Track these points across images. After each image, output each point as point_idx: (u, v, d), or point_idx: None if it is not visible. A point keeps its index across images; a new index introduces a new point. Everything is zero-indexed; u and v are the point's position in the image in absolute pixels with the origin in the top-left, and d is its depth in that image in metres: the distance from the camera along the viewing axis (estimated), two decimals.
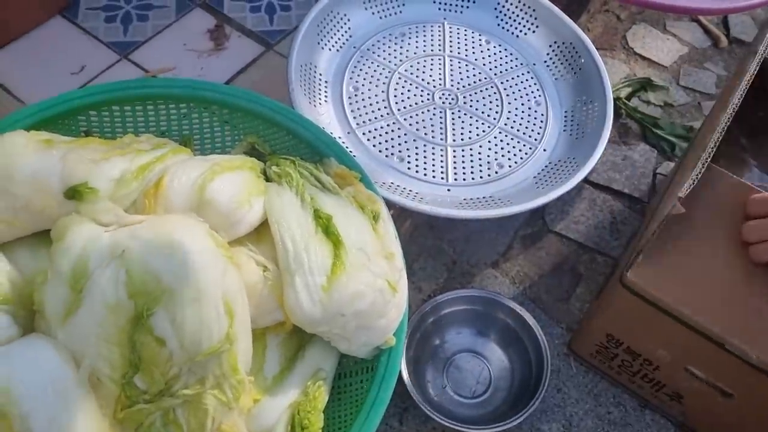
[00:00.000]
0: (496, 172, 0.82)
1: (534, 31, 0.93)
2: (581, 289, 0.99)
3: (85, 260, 0.49)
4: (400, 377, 0.82)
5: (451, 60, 0.91)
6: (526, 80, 0.90)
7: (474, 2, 0.95)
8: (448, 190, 0.79)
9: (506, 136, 0.85)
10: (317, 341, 0.62)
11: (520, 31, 0.94)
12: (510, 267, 1.01)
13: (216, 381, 0.52)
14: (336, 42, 0.88)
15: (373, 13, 0.92)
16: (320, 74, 0.85)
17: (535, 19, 0.93)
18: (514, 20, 0.94)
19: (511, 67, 0.91)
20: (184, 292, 0.50)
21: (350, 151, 0.80)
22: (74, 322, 0.49)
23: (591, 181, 1.10)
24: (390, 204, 0.75)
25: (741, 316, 0.69)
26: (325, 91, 0.84)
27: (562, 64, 0.91)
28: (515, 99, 0.88)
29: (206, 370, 0.52)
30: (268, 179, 0.64)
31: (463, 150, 0.83)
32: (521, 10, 0.94)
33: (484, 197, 0.79)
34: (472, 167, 0.82)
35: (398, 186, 0.78)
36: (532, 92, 0.89)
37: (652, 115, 1.19)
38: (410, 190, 0.78)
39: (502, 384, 0.90)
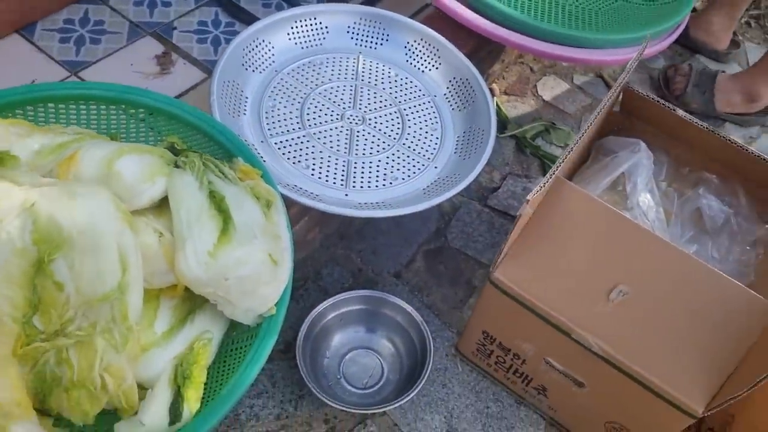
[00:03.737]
0: (390, 183, 0.93)
1: (437, 68, 1.07)
2: (473, 299, 1.10)
3: None
4: (297, 367, 0.91)
5: (362, 87, 1.03)
6: (427, 109, 1.03)
7: (387, 40, 1.08)
8: (346, 195, 0.90)
9: (403, 153, 0.97)
10: (208, 308, 0.71)
11: (426, 67, 1.07)
12: (411, 277, 1.11)
13: (107, 326, 0.61)
14: (260, 65, 1.00)
15: (296, 43, 1.04)
16: (242, 91, 0.96)
17: (439, 57, 1.07)
18: (421, 57, 1.08)
19: (415, 97, 1.04)
20: (83, 242, 0.59)
21: (261, 157, 0.90)
22: None
23: (491, 206, 1.23)
24: (291, 201, 0.85)
25: (586, 309, 0.80)
26: (245, 106, 0.96)
27: (459, 96, 1.04)
28: (415, 123, 1.01)
29: (99, 315, 0.60)
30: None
31: (363, 162, 0.94)
32: (427, 49, 1.07)
33: (376, 202, 0.90)
34: (369, 177, 0.93)
35: (301, 188, 0.88)
36: (431, 119, 1.02)
37: (553, 154, 1.33)
38: (311, 192, 0.88)
39: (392, 377, 0.98)
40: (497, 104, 1.40)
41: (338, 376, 0.97)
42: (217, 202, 0.69)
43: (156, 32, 1.28)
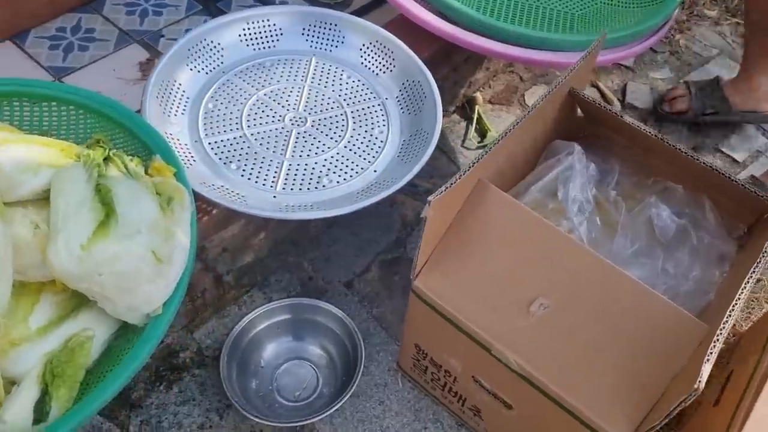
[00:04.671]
0: (324, 186, 0.89)
1: (391, 71, 1.03)
2: None
3: None
4: (219, 379, 0.88)
5: (310, 89, 1.00)
6: (376, 112, 0.99)
7: (342, 42, 1.06)
8: (274, 197, 0.87)
9: (342, 156, 0.93)
10: (95, 306, 0.69)
11: (380, 69, 1.04)
12: (363, 287, 1.07)
13: None
14: (206, 66, 0.99)
15: (247, 45, 1.03)
16: (183, 91, 0.95)
17: (393, 60, 1.03)
18: (376, 60, 1.04)
19: (365, 100, 1.00)
20: None
21: (192, 157, 0.89)
22: None
23: None
24: (211, 202, 0.82)
25: (507, 323, 0.74)
26: (184, 106, 0.94)
27: (410, 99, 1.00)
28: (361, 126, 0.97)
29: None
30: None
31: (298, 164, 0.91)
32: (382, 51, 1.04)
33: (305, 205, 0.86)
34: (302, 179, 0.89)
35: (227, 189, 0.86)
36: (378, 122, 0.98)
37: None
38: (237, 193, 0.86)
39: (326, 390, 0.94)
40: (479, 114, 1.34)
41: (270, 387, 0.93)
42: (102, 196, 0.67)
43: (143, 40, 1.29)
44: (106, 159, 0.75)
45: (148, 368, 0.94)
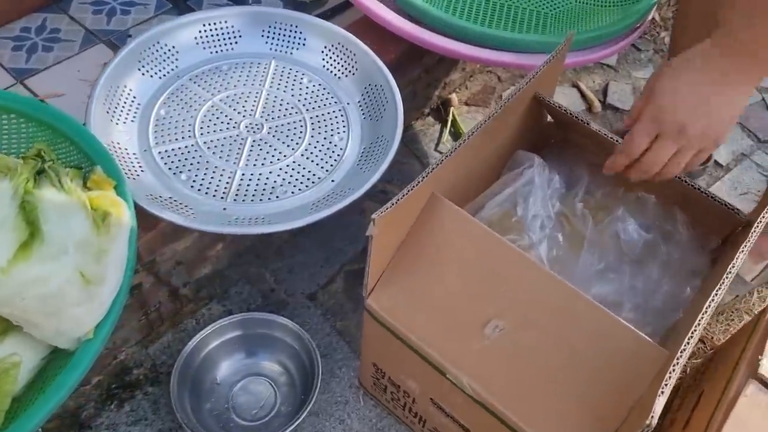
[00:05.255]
0: (278, 197, 0.85)
1: (354, 74, 0.99)
2: None
3: None
4: (169, 400, 0.84)
5: (268, 94, 0.96)
6: (336, 118, 0.95)
7: (304, 45, 1.01)
8: (224, 209, 0.83)
9: (299, 165, 0.89)
10: (21, 330, 0.65)
11: (342, 73, 1.00)
12: (327, 299, 1.03)
13: None
14: (159, 70, 0.95)
15: (204, 48, 0.99)
16: (134, 97, 0.91)
17: (356, 63, 0.99)
18: (338, 63, 1.00)
19: (325, 105, 0.96)
20: None
21: (140, 167, 0.85)
22: None
23: None
24: (154, 216, 0.78)
25: (461, 345, 0.71)
26: (135, 113, 0.90)
27: (372, 105, 0.96)
28: (320, 133, 0.93)
29: None
30: None
31: (252, 174, 0.87)
32: (345, 54, 1.00)
33: (255, 217, 0.82)
34: (255, 190, 0.86)
35: (174, 201, 0.82)
36: (338, 129, 0.94)
37: None
38: (185, 205, 0.82)
39: (284, 408, 0.91)
40: (453, 116, 1.30)
41: (226, 406, 0.90)
42: (27, 214, 0.63)
43: (110, 40, 1.25)
44: (41, 172, 0.71)
45: (99, 386, 0.91)
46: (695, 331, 0.60)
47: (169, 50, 0.96)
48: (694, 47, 0.67)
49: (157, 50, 0.95)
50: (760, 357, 0.71)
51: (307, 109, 0.96)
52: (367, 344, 0.82)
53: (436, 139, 1.29)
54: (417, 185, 0.67)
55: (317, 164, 0.90)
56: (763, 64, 0.63)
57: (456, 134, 1.29)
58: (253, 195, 0.85)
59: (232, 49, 1.00)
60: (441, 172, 0.71)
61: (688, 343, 0.58)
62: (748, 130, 1.38)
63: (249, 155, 0.89)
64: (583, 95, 1.39)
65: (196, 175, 0.86)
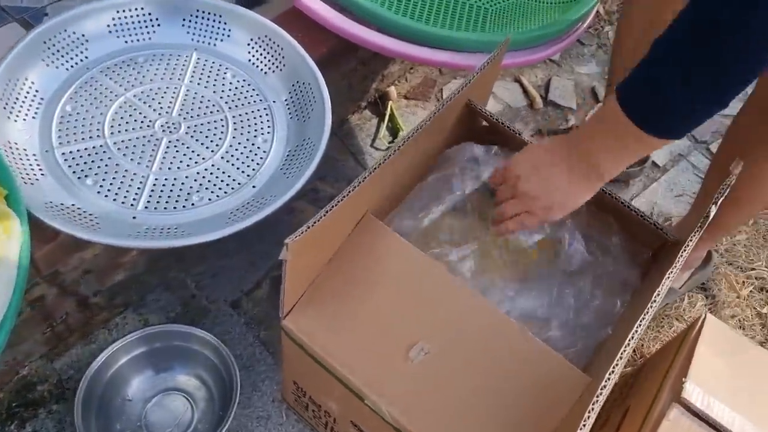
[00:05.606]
0: (193, 204, 0.80)
1: (281, 70, 0.93)
2: None
3: None
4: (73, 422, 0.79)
5: (187, 89, 0.90)
6: (261, 117, 0.89)
7: (228, 36, 0.95)
8: (134, 217, 0.77)
9: (218, 169, 0.83)
10: None
11: (269, 68, 0.94)
12: (251, 307, 0.99)
13: None
14: (67, 61, 0.87)
15: (118, 37, 0.91)
16: (36, 90, 0.83)
17: (283, 58, 0.93)
18: (264, 57, 0.94)
19: (250, 103, 0.90)
20: None
21: (40, 170, 0.78)
22: None
23: None
24: (52, 228, 0.72)
25: (383, 369, 0.67)
26: (36, 108, 0.83)
27: (299, 103, 0.91)
28: (242, 134, 0.87)
29: None
30: None
31: (166, 178, 0.81)
32: (272, 47, 0.93)
33: (169, 227, 0.77)
34: (169, 196, 0.80)
35: (78, 209, 0.75)
36: (263, 129, 0.88)
37: None
38: (90, 214, 0.75)
39: (201, 426, 0.86)
40: (391, 110, 1.26)
41: (139, 424, 0.85)
42: None
43: (24, 18, 1.15)
44: None
45: None
46: (616, 365, 0.58)
47: (78, 39, 0.88)
48: (565, 136, 0.68)
49: (63, 39, 0.87)
50: (684, 379, 0.70)
51: (230, 107, 0.89)
52: (287, 362, 0.78)
53: (372, 134, 1.24)
54: (336, 205, 0.63)
55: (238, 168, 0.84)
56: (605, 174, 0.65)
57: (393, 129, 1.24)
58: (167, 202, 0.79)
59: (150, 38, 0.93)
60: (371, 184, 0.67)
61: (608, 378, 0.56)
62: None
63: (164, 158, 0.83)
64: (525, 91, 1.36)
65: (103, 180, 0.79)
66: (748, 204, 0.88)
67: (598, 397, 0.55)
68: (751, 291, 1.13)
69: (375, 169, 0.67)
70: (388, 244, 0.71)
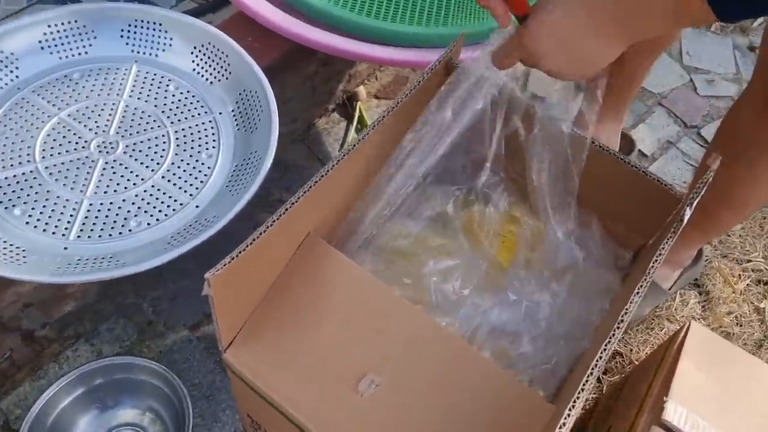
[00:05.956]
0: (131, 230, 0.74)
1: (227, 78, 0.87)
2: None
3: None
4: None
5: (126, 105, 0.84)
6: (206, 130, 0.84)
7: (170, 45, 0.89)
8: (66, 248, 0.71)
9: (158, 190, 0.78)
10: None
11: (214, 77, 0.88)
12: (211, 331, 0.93)
13: None
14: None
15: (51, 53, 0.86)
16: None
17: (229, 65, 0.87)
18: (209, 66, 0.88)
19: (194, 115, 0.85)
20: None
21: None
22: None
23: None
24: None
25: (331, 405, 0.62)
26: None
27: (246, 114, 0.85)
28: (184, 150, 0.81)
29: None
30: None
31: (101, 203, 0.75)
32: (216, 56, 0.88)
33: (103, 257, 0.71)
34: (105, 223, 0.74)
35: (4, 242, 0.70)
36: (207, 144, 0.83)
37: None
38: (17, 247, 0.70)
39: None
40: (360, 112, 1.20)
41: None
42: None
43: None
44: None
45: None
46: (582, 389, 0.52)
47: (7, 57, 0.83)
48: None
49: None
50: (665, 398, 0.64)
51: (172, 122, 0.84)
52: (237, 395, 0.72)
53: (341, 138, 1.18)
54: (265, 231, 0.57)
55: (180, 187, 0.78)
56: (630, 32, 0.56)
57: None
58: (101, 230, 0.74)
59: (86, 53, 0.87)
60: (310, 202, 0.62)
61: (567, 415, 0.50)
62: (674, 116, 1.31)
63: (99, 181, 0.77)
64: None
65: (33, 209, 0.74)
66: (742, 206, 0.82)
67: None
68: (747, 284, 1.06)
69: (309, 189, 0.61)
70: (335, 266, 0.65)
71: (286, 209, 0.59)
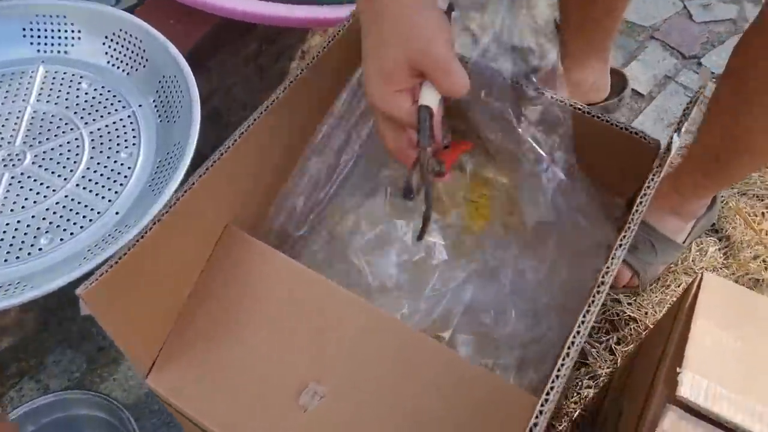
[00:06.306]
0: (41, 249, 0.65)
1: (144, 66, 0.77)
2: None
3: None
4: None
5: (34, 111, 0.75)
6: (125, 126, 0.74)
7: (79, 39, 0.79)
8: None
9: (72, 200, 0.68)
10: None
11: (131, 67, 0.78)
12: None
13: None
14: None
15: None
16: None
17: (144, 51, 0.77)
18: (124, 55, 0.78)
19: (110, 113, 0.75)
20: None
21: None
22: None
23: None
24: None
25: (272, 423, 0.51)
26: None
27: (167, 103, 0.75)
28: (101, 152, 0.72)
29: None
30: None
31: (7, 223, 0.66)
32: (130, 43, 0.78)
33: (10, 283, 0.62)
34: (11, 244, 0.65)
35: None
36: (127, 141, 0.73)
37: None
38: None
39: None
40: None
41: None
42: None
43: None
44: None
45: None
46: (558, 376, 0.41)
47: None
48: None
49: None
50: (678, 369, 0.52)
51: (86, 123, 0.74)
52: (180, 421, 0.63)
53: None
54: (151, 229, 0.47)
55: (97, 194, 0.69)
56: None
57: None
58: (7, 253, 0.64)
59: None
60: (221, 185, 0.51)
61: (546, 398, 0.39)
62: (670, 48, 1.18)
63: (5, 198, 0.68)
64: None
65: None
66: (762, 154, 0.70)
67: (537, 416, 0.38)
68: None
69: (204, 173, 0.51)
70: (260, 260, 0.54)
71: (177, 199, 0.48)
